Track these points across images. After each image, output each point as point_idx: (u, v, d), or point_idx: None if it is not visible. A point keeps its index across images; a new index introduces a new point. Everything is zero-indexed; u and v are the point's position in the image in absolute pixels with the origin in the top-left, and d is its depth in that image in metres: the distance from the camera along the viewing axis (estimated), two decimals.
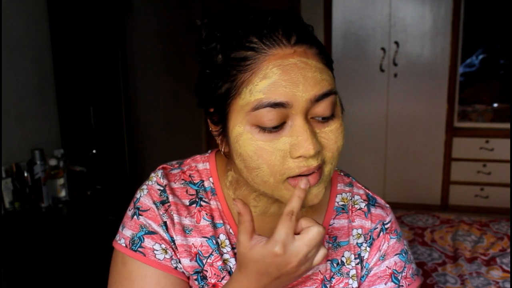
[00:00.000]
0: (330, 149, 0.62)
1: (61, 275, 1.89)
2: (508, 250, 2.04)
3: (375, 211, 0.78)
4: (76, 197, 2.14)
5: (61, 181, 2.05)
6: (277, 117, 0.59)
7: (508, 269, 1.89)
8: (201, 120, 3.79)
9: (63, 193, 2.07)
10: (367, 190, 0.81)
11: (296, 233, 0.60)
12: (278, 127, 0.59)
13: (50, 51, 2.24)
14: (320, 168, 0.62)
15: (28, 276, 1.79)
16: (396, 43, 3.58)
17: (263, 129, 0.59)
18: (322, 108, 0.60)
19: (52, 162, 2.04)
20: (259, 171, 0.61)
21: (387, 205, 0.81)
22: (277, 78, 0.58)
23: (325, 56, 0.64)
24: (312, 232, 0.58)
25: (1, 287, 1.72)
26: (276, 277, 0.60)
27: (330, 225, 0.76)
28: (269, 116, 0.58)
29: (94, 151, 2.28)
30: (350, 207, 0.78)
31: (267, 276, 0.60)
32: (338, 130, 0.63)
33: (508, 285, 1.79)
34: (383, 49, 3.61)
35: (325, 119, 0.62)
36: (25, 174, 1.93)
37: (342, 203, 0.78)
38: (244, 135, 0.61)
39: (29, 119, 2.13)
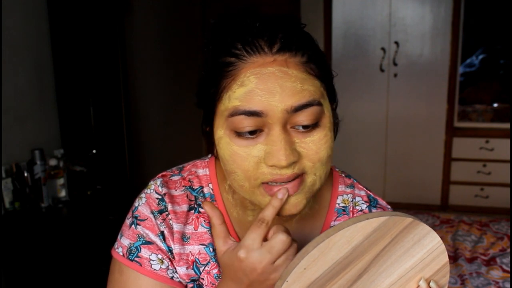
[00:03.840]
0: (311, 159, 0.60)
1: (61, 275, 1.89)
2: (508, 250, 2.04)
3: None
4: (76, 197, 2.14)
5: (61, 181, 2.05)
6: (253, 124, 0.59)
7: (508, 269, 1.89)
8: (200, 120, 3.79)
9: (63, 193, 2.07)
10: (368, 192, 0.80)
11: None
12: (254, 134, 0.59)
13: (50, 51, 2.24)
14: (299, 177, 0.61)
15: (28, 276, 1.79)
16: (396, 43, 3.57)
17: (239, 134, 0.60)
18: (302, 119, 0.59)
19: (52, 162, 2.04)
20: (235, 175, 0.62)
21: (389, 207, 0.80)
22: (253, 86, 0.58)
23: (316, 66, 0.62)
24: (274, 240, 0.58)
25: (1, 287, 1.72)
26: (247, 284, 0.60)
27: (331, 226, 0.76)
28: (244, 123, 0.59)
29: (94, 151, 2.28)
30: (351, 209, 0.77)
31: (240, 283, 0.60)
32: (322, 140, 0.61)
33: (508, 285, 1.79)
34: (383, 49, 3.61)
35: (307, 129, 0.60)
36: (25, 174, 1.93)
37: (343, 204, 0.77)
38: (223, 139, 0.61)
39: (29, 119, 2.13)
